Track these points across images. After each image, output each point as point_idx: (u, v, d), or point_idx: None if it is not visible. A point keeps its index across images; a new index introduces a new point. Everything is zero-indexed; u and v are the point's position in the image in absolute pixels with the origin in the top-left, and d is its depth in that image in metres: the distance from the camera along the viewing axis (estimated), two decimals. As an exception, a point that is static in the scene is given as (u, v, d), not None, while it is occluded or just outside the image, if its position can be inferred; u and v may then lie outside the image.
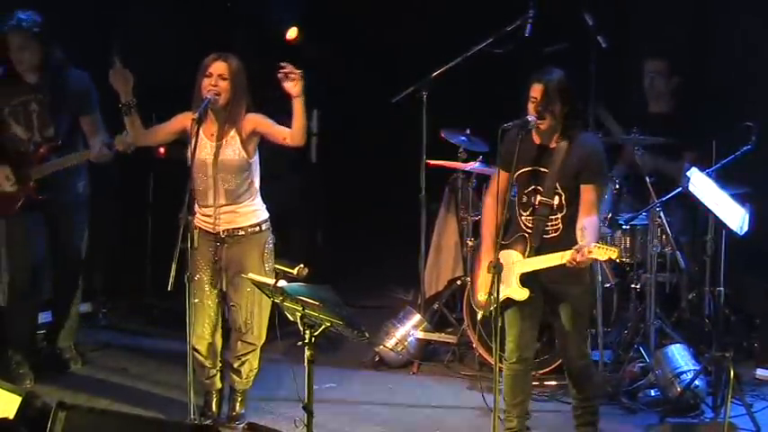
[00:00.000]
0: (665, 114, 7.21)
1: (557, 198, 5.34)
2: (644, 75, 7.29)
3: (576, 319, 5.47)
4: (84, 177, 6.65)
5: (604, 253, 5.03)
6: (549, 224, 5.36)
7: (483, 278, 5.46)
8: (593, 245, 5.06)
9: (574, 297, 5.42)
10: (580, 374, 5.57)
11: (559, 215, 5.35)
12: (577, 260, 5.10)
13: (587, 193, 5.29)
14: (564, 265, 5.17)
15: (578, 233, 5.24)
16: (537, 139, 5.41)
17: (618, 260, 5.21)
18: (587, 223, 5.24)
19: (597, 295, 6.36)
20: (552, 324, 5.70)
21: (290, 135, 5.63)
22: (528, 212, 5.41)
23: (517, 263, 5.37)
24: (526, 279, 5.35)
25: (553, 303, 5.44)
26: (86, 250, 6.83)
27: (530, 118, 5.32)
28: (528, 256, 5.36)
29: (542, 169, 5.37)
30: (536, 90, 5.30)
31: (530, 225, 5.39)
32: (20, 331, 6.61)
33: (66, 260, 6.70)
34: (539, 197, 5.37)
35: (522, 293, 5.36)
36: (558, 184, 5.33)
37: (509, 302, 5.41)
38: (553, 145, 5.37)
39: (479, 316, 5.62)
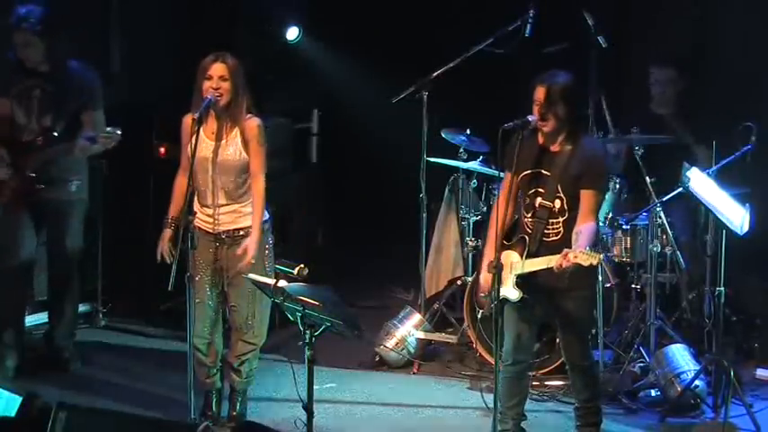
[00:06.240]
0: (667, 115, 7.21)
1: (557, 202, 5.33)
2: (653, 82, 7.27)
3: (579, 320, 5.48)
4: (79, 177, 6.57)
5: (587, 259, 5.01)
6: (550, 227, 5.36)
7: (485, 277, 5.48)
8: (578, 250, 5.06)
9: (577, 299, 5.42)
10: (583, 375, 5.58)
11: (561, 219, 5.34)
12: (563, 266, 5.10)
13: (586, 198, 5.28)
14: (567, 267, 5.16)
15: (573, 237, 5.24)
16: (541, 141, 5.42)
17: (598, 264, 5.20)
18: (583, 228, 5.22)
19: (597, 295, 6.36)
20: (553, 325, 5.70)
21: (255, 183, 5.66)
22: (530, 214, 5.41)
23: (515, 264, 5.38)
24: (526, 281, 5.35)
25: (556, 305, 5.43)
26: (86, 250, 6.82)
27: (530, 118, 5.31)
28: (525, 259, 5.36)
29: (544, 172, 5.37)
30: (539, 92, 5.30)
31: (531, 227, 5.40)
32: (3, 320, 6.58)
33: (59, 261, 6.66)
34: (539, 199, 5.37)
35: (515, 294, 5.36)
36: (559, 188, 5.32)
37: (506, 303, 5.42)
38: (557, 148, 5.37)
39: (480, 315, 5.63)
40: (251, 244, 5.62)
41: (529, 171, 5.40)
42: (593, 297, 5.64)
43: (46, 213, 6.54)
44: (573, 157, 5.32)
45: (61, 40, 6.39)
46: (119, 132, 6.09)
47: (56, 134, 6.34)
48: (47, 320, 6.90)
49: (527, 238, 5.38)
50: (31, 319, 7.14)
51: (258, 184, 5.69)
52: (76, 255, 6.69)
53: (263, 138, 5.72)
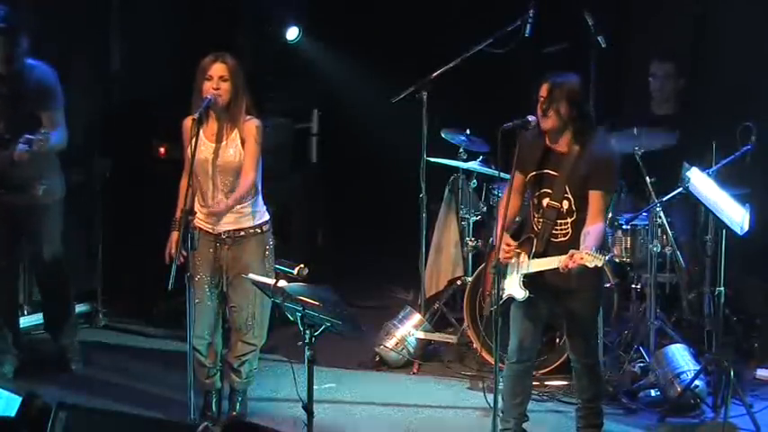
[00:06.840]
0: (668, 116, 7.21)
1: (565, 202, 5.34)
2: (651, 77, 7.28)
3: (584, 320, 5.50)
4: (47, 179, 6.37)
5: (592, 260, 5.03)
6: (558, 228, 5.36)
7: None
8: (584, 252, 5.07)
9: (583, 299, 5.44)
10: (588, 373, 5.59)
11: (569, 220, 5.35)
12: (568, 266, 5.11)
13: (594, 199, 5.28)
14: (573, 267, 5.16)
15: (581, 238, 5.25)
16: (548, 142, 5.42)
17: (603, 266, 5.21)
18: (591, 230, 5.23)
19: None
20: (557, 324, 5.69)
21: (244, 178, 5.65)
22: (539, 215, 5.42)
23: (522, 263, 5.39)
24: (532, 281, 5.36)
25: (562, 304, 5.45)
26: (86, 250, 6.80)
27: (530, 118, 5.32)
28: (532, 258, 5.37)
29: (552, 172, 5.37)
30: (543, 89, 5.32)
31: (538, 227, 5.40)
32: None
33: (41, 266, 6.60)
34: (547, 200, 5.38)
35: (521, 294, 5.37)
36: (567, 188, 5.33)
37: (512, 302, 5.42)
38: (565, 149, 5.37)
39: (485, 312, 5.64)
40: (228, 201, 5.65)
41: (536, 172, 5.41)
42: (599, 297, 5.64)
43: (19, 220, 6.42)
44: (581, 158, 5.33)
45: (23, 41, 6.21)
46: (48, 133, 6.00)
47: (8, 137, 6.15)
48: (40, 322, 6.90)
49: (534, 237, 5.39)
50: (31, 319, 7.15)
51: (247, 179, 5.68)
52: (58, 256, 6.55)
53: (261, 138, 5.72)
